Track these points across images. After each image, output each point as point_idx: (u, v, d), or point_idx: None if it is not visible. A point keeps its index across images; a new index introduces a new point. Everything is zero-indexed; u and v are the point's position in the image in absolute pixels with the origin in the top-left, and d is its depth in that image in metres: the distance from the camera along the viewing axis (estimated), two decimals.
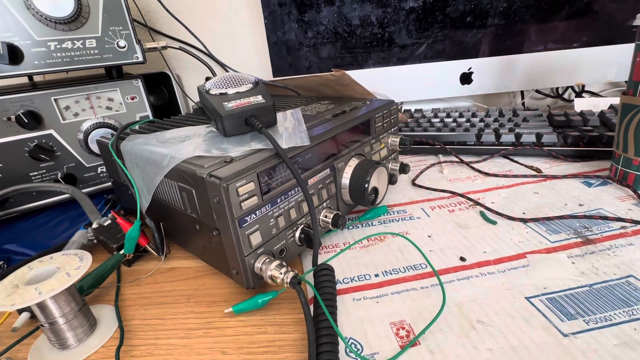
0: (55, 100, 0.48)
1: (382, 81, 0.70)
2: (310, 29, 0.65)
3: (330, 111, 0.42)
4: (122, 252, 0.36)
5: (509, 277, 0.30)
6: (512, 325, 0.25)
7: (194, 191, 0.29)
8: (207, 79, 0.67)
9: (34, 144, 0.48)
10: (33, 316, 0.29)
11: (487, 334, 0.25)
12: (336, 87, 0.50)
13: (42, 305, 0.26)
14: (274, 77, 0.69)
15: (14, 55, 0.43)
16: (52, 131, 0.49)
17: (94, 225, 0.39)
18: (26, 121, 0.45)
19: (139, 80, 0.54)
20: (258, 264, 0.29)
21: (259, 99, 0.35)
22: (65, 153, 0.50)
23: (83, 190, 0.49)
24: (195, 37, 0.71)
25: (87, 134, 0.51)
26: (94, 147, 0.51)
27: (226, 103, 0.34)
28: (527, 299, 0.27)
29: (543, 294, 0.28)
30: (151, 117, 0.56)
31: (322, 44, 0.66)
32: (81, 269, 0.26)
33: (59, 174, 0.51)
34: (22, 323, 0.29)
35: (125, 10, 0.48)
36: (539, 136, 0.53)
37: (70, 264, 0.27)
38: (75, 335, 0.27)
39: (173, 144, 0.34)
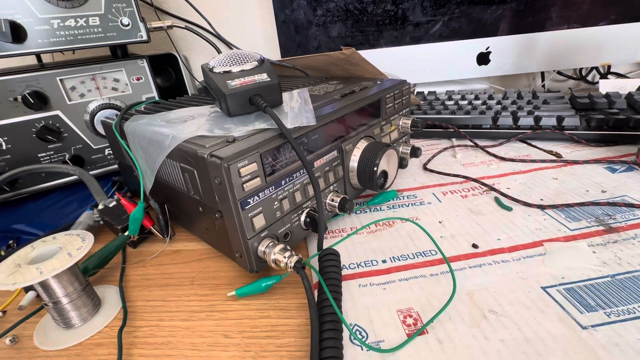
0: (60, 80, 0.48)
1: (394, 62, 0.67)
2: (320, 6, 0.62)
3: (339, 91, 0.40)
4: (126, 233, 0.35)
5: (524, 266, 0.28)
6: (527, 315, 0.24)
7: (195, 172, 0.28)
8: None
9: (41, 124, 0.47)
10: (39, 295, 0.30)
11: (499, 325, 0.23)
12: (346, 66, 0.48)
13: (44, 285, 0.25)
14: (282, 57, 0.67)
15: (17, 33, 0.42)
16: (58, 112, 0.49)
17: (100, 207, 0.39)
18: (32, 101, 0.45)
19: (144, 60, 0.53)
20: (262, 248, 0.28)
21: (264, 77, 0.34)
22: (73, 134, 0.50)
23: (91, 172, 0.49)
24: (201, 15, 0.69)
25: (93, 115, 0.50)
26: (100, 129, 0.50)
27: (230, 81, 0.33)
28: (544, 288, 0.26)
29: (561, 284, 0.26)
30: (157, 98, 0.55)
31: (331, 23, 0.63)
32: (83, 250, 0.26)
33: (67, 156, 0.51)
34: (28, 301, 0.29)
35: None
36: (559, 119, 0.50)
37: (72, 244, 0.27)
38: (79, 315, 0.27)
39: (176, 124, 0.33)
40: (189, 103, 0.42)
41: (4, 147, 0.46)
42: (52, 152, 0.50)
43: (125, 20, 0.47)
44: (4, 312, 0.29)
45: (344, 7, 0.62)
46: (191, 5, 0.67)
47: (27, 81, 0.46)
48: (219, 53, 0.67)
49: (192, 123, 0.33)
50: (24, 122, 0.47)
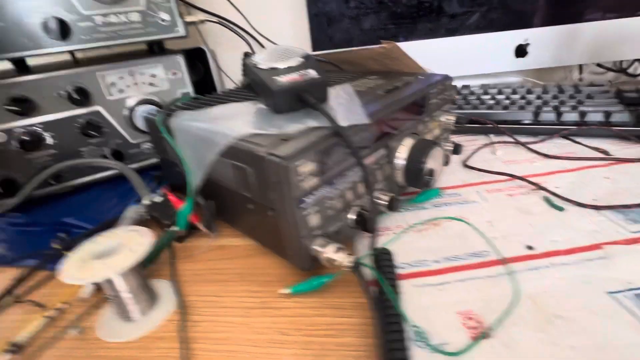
0: (101, 76, 0.49)
1: (426, 54, 0.65)
2: None
3: (381, 87, 0.40)
4: (174, 228, 0.36)
5: (585, 269, 0.27)
6: (596, 322, 0.23)
7: (250, 170, 0.29)
8: (246, 54, 0.65)
9: (85, 120, 0.48)
10: (98, 286, 0.31)
11: (567, 330, 0.23)
12: (384, 60, 0.47)
13: (110, 280, 0.26)
14: (313, 51, 0.66)
15: (64, 30, 0.42)
16: (99, 108, 0.49)
17: (146, 202, 0.40)
18: (77, 98, 0.46)
19: (181, 55, 0.53)
20: (315, 246, 0.28)
21: (313, 73, 0.34)
22: (112, 129, 0.51)
23: (128, 167, 0.50)
24: (238, 10, 0.68)
25: (132, 110, 0.51)
26: (139, 124, 0.51)
27: (277, 78, 0.33)
28: (610, 294, 0.25)
29: (629, 290, 0.25)
30: (192, 93, 0.55)
31: (364, 15, 0.62)
32: (145, 246, 0.26)
33: (106, 150, 0.52)
34: (89, 293, 0.30)
35: None
36: (607, 114, 0.48)
37: (132, 240, 0.27)
38: (139, 308, 0.28)
39: (225, 121, 0.33)
40: (228, 99, 0.42)
41: (51, 142, 0.47)
42: (92, 147, 0.51)
43: (165, 16, 0.48)
44: (68, 303, 0.30)
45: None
46: (230, 1, 0.67)
47: (71, 77, 0.47)
48: (250, 48, 0.67)
49: (240, 120, 0.33)
50: (67, 118, 0.48)
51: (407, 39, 0.64)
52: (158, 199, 0.40)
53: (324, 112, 0.29)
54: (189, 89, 0.55)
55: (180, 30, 0.50)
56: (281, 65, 0.34)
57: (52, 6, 0.42)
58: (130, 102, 0.51)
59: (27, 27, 0.41)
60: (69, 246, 0.38)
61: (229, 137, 0.30)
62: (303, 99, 0.32)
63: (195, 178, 0.35)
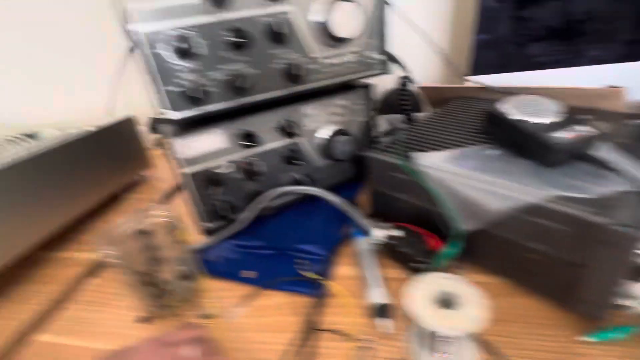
0: (302, 111, 0.52)
1: (583, 81, 0.65)
2: (524, 25, 0.61)
3: (612, 130, 0.41)
4: (428, 266, 0.39)
5: None
6: None
7: (565, 229, 0.31)
8: (404, 77, 0.67)
9: (290, 149, 0.53)
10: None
11: None
12: (592, 99, 0.48)
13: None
14: (472, 75, 0.67)
15: (302, 74, 0.46)
16: (300, 139, 0.53)
17: (382, 236, 0.44)
18: (296, 132, 0.51)
19: (368, 88, 0.56)
20: (625, 300, 0.31)
21: (587, 129, 0.36)
22: (307, 157, 0.55)
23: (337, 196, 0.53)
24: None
25: (327, 140, 0.54)
26: (337, 153, 0.55)
27: (552, 133, 0.35)
28: None
29: None
30: (368, 124, 0.58)
31: (532, 42, 0.62)
32: (485, 299, 0.30)
33: (300, 177, 0.56)
34: (393, 328, 0.34)
35: (383, 23, 0.49)
36: None
37: (459, 289, 0.31)
38: (451, 347, 0.32)
39: (497, 174, 0.36)
40: (447, 142, 0.45)
41: (264, 170, 0.52)
42: (290, 174, 0.55)
43: (376, 55, 0.50)
44: (370, 335, 0.34)
45: (548, 27, 0.61)
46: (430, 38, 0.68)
47: (284, 112, 0.51)
48: (408, 81, 0.68)
49: (509, 173, 0.35)
50: (276, 149, 0.52)
51: (568, 65, 0.64)
52: (397, 233, 0.43)
53: (629, 176, 0.31)
54: (366, 118, 0.58)
55: (386, 68, 0.52)
56: (542, 119, 0.37)
57: (291, 53, 0.45)
58: (322, 132, 0.55)
59: (270, 73, 0.45)
60: (321, 274, 0.43)
61: (536, 197, 0.32)
62: (588, 158, 0.34)
63: (464, 224, 0.38)
